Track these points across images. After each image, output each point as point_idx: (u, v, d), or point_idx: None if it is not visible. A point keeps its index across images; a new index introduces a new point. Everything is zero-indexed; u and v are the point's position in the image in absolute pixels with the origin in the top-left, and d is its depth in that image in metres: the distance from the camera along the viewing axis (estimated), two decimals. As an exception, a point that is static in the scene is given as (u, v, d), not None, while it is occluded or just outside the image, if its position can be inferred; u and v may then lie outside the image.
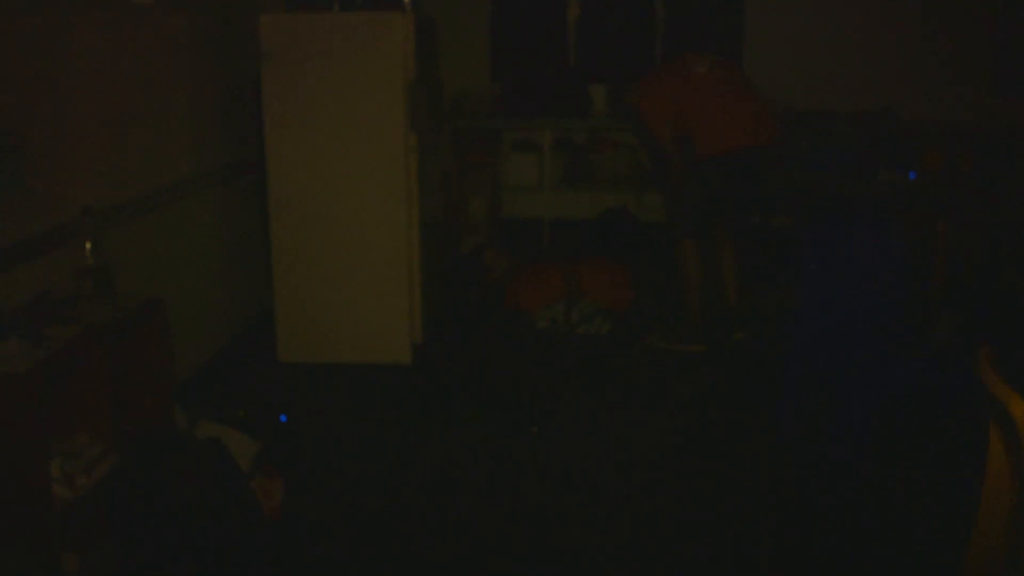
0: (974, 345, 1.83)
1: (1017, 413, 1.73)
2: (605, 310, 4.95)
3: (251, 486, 2.95)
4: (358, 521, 3.05)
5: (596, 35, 6.95)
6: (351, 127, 4.05)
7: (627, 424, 3.77)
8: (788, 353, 3.59)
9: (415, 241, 4.22)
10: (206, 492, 2.63)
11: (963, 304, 4.21)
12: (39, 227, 2.88)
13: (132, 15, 3.50)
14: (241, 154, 4.51)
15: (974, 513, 1.99)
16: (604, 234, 6.66)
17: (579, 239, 6.67)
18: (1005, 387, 1.76)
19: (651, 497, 3.20)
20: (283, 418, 3.43)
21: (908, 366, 3.27)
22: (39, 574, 2.44)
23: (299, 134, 4.07)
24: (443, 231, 5.21)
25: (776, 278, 5.34)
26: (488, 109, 6.63)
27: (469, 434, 3.65)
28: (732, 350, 4.59)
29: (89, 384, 2.71)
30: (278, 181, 4.14)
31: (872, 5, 6.64)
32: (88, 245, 2.95)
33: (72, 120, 3.09)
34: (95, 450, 2.72)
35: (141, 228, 3.54)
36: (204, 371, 4.10)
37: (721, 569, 2.81)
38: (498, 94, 6.73)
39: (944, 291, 4.43)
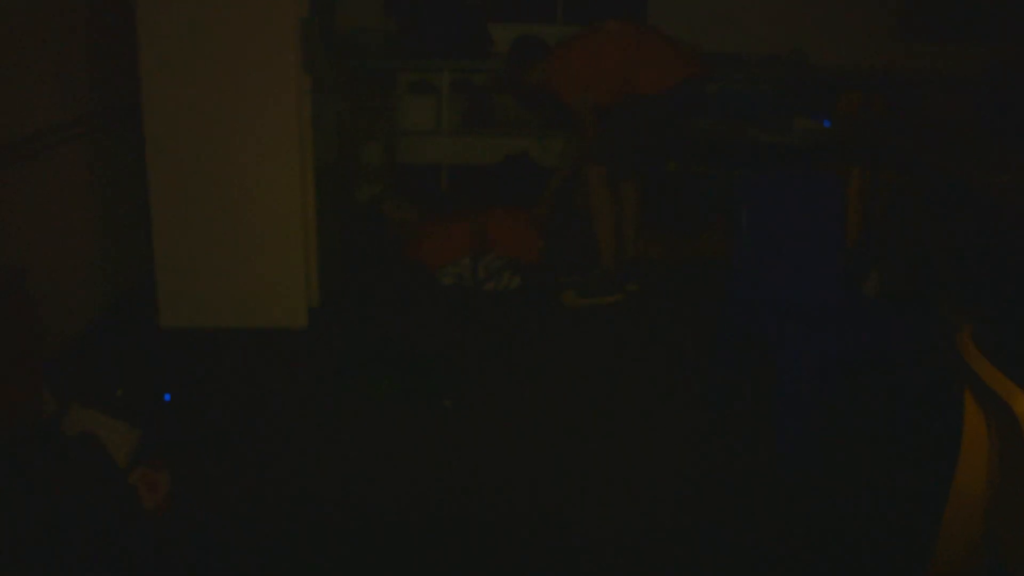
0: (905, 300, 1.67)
1: (1020, 410, 1.54)
2: (513, 262, 4.68)
3: (131, 480, 2.59)
4: (254, 511, 2.72)
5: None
6: (237, 68, 3.63)
7: (546, 393, 3.53)
8: (727, 311, 3.39)
9: (310, 194, 3.85)
10: (74, 497, 2.27)
11: (889, 256, 4.09)
12: None
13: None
14: (116, 99, 4.02)
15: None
16: (506, 181, 6.38)
17: (480, 186, 6.37)
18: (1007, 382, 1.56)
19: (575, 475, 2.97)
20: (167, 397, 3.07)
21: (847, 323, 3.10)
22: None
23: (179, 75, 3.63)
24: (338, 179, 4.84)
25: (675, 228, 5.16)
26: (381, 48, 6.21)
27: (374, 410, 3.34)
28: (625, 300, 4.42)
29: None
30: (155, 128, 3.70)
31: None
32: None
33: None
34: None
35: (-7, 184, 3.09)
36: (77, 346, 3.67)
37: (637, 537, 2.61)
38: (392, 32, 6.31)
39: (864, 242, 4.32)
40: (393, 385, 3.42)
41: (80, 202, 3.82)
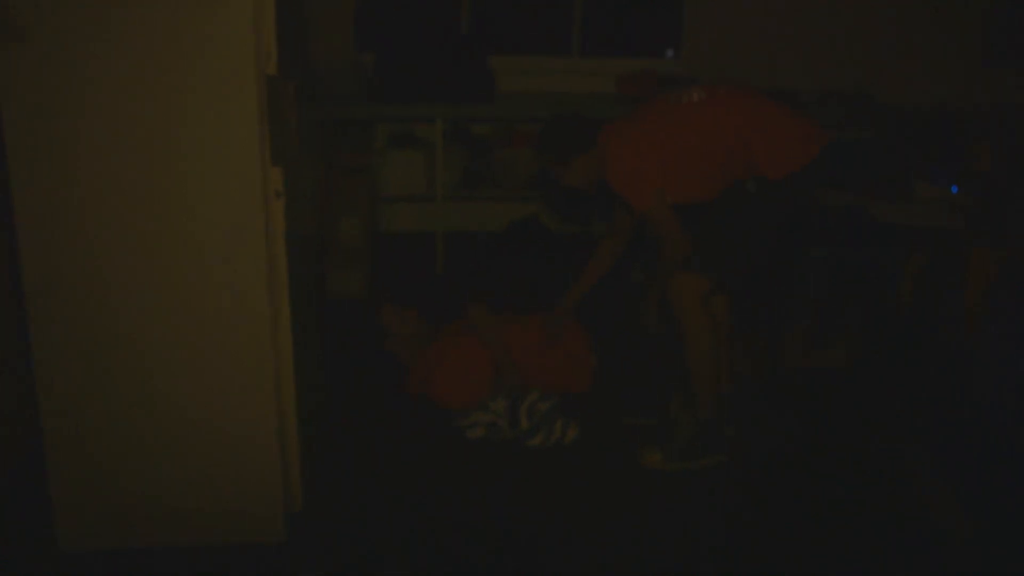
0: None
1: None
2: (559, 398, 3.35)
3: None
4: None
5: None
6: (165, 159, 2.26)
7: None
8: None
9: (285, 344, 2.49)
10: None
11: None
12: None
13: None
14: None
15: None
16: (514, 250, 5.07)
17: (484, 258, 5.05)
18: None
19: None
20: None
21: None
22: None
23: (71, 170, 2.25)
24: (316, 288, 3.48)
25: (769, 331, 3.88)
26: (353, 92, 4.86)
27: None
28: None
29: None
30: (36, 250, 2.31)
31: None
32: None
33: None
34: None
35: None
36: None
37: None
38: (366, 71, 4.97)
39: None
40: None
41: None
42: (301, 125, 2.58)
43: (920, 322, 4.01)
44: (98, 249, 2.29)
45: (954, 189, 3.95)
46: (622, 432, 3.34)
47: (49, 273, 2.30)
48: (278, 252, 2.38)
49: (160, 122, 2.20)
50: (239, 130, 2.23)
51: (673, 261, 2.97)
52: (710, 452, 3.11)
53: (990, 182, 4.04)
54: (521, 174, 5.09)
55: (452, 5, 5.31)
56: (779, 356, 3.65)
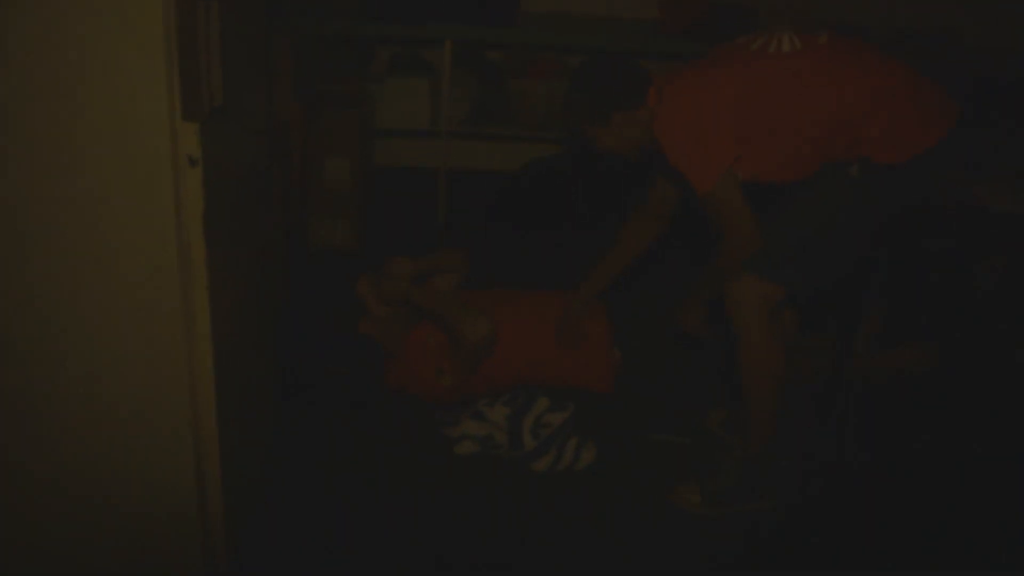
0: None
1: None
2: (573, 407, 2.70)
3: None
4: None
5: None
6: (51, 114, 1.57)
7: None
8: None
9: (206, 374, 1.82)
10: None
11: None
12: None
13: None
14: None
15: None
16: (534, 201, 4.37)
17: (495, 204, 4.36)
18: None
19: None
20: None
21: None
22: None
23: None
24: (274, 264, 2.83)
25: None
26: (349, 6, 4.10)
27: None
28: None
29: None
30: None
31: None
32: None
33: None
34: None
35: None
36: None
37: None
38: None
39: None
40: None
41: None
42: (246, 55, 1.88)
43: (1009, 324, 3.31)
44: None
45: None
46: (648, 451, 2.71)
47: None
48: (193, 243, 1.70)
49: (53, 60, 1.50)
50: (127, 72, 1.54)
51: (737, 259, 2.28)
52: (759, 498, 2.46)
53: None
54: (540, 109, 4.35)
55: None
56: (845, 361, 2.97)
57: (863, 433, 2.79)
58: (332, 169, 3.84)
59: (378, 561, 2.20)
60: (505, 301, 2.94)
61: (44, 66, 1.51)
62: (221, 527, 1.93)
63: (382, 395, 2.83)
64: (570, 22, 4.33)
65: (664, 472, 2.59)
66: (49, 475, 1.81)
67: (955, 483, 2.64)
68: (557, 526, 2.38)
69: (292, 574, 2.15)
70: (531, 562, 2.25)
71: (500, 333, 2.75)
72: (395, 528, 2.32)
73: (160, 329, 1.72)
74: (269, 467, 2.41)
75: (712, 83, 2.24)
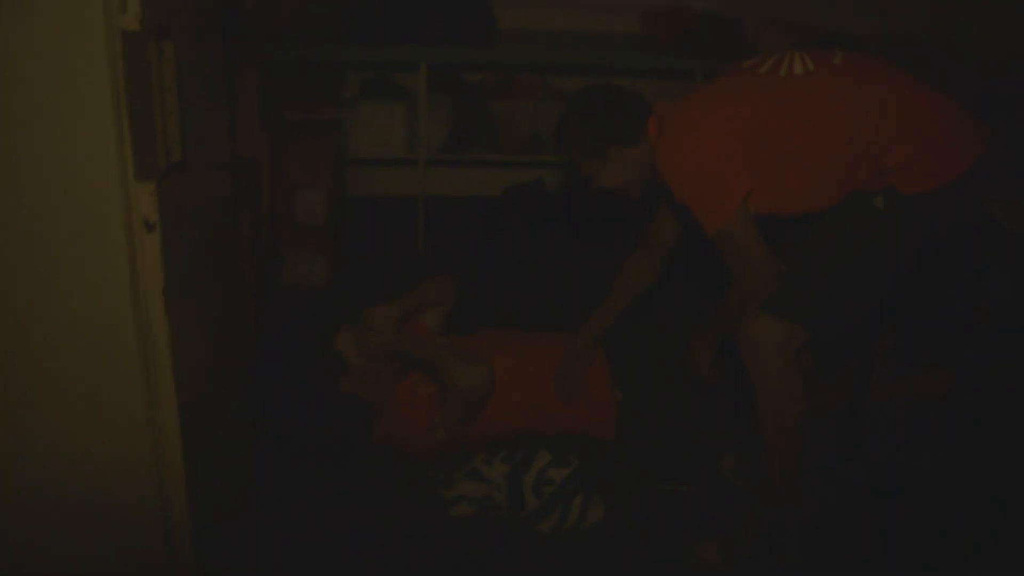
0: None
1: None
2: (578, 461, 2.50)
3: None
4: None
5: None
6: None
7: None
8: None
9: (175, 467, 1.60)
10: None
11: None
12: None
13: None
14: None
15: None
16: (510, 230, 4.17)
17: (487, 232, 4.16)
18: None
19: None
20: None
21: None
22: None
23: None
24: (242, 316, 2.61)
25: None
26: (319, 28, 3.89)
27: None
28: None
29: None
30: None
31: None
32: None
33: None
34: None
35: None
36: None
37: None
38: (336, 2, 3.99)
39: None
40: None
41: None
42: (207, 92, 1.66)
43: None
44: None
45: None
46: (659, 502, 2.51)
47: None
48: (153, 320, 1.48)
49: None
50: (67, 131, 1.32)
51: (752, 301, 2.09)
52: (781, 549, 2.27)
53: None
54: (522, 131, 4.16)
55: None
56: (864, 385, 2.79)
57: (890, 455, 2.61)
58: (304, 202, 3.62)
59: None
60: (498, 345, 2.73)
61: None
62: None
63: (367, 454, 2.60)
64: (550, 39, 4.14)
65: (678, 526, 2.40)
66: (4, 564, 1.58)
67: (973, 499, 2.46)
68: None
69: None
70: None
71: (496, 381, 2.54)
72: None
73: (119, 418, 1.51)
74: (246, 536, 2.19)
75: (719, 112, 2.05)
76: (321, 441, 2.52)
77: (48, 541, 1.58)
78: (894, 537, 2.40)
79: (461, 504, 2.42)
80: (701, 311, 2.38)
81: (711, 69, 3.84)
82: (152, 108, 1.35)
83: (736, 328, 2.13)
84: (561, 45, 4.06)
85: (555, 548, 2.34)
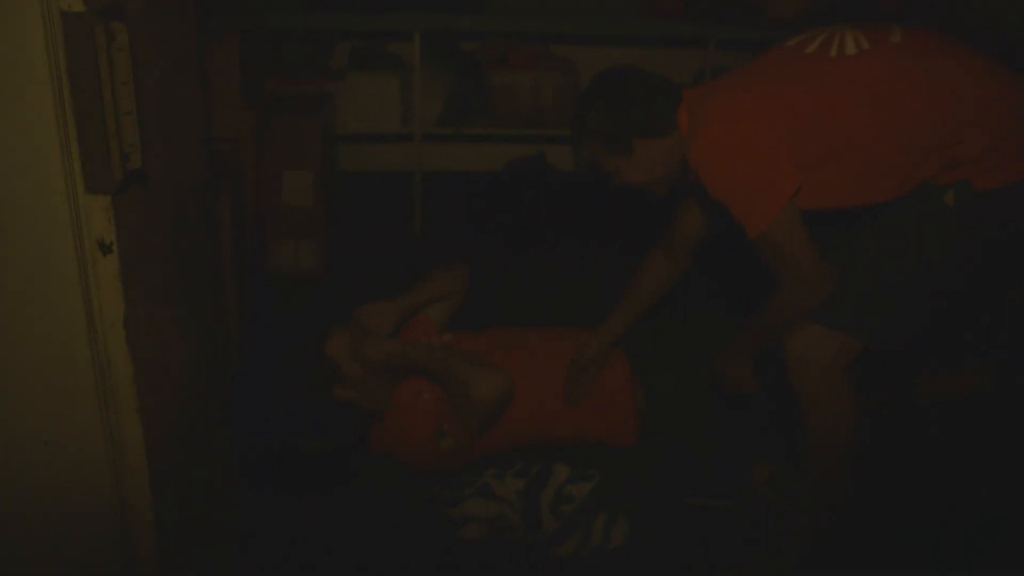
0: None
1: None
2: (598, 476, 2.28)
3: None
4: None
5: None
6: None
7: None
8: None
9: (142, 505, 1.36)
10: None
11: None
12: None
13: None
14: None
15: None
16: (518, 204, 3.91)
17: (479, 208, 3.90)
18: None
19: None
20: None
21: None
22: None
23: None
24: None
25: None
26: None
27: None
28: None
29: None
30: None
31: None
32: None
33: None
34: None
35: None
36: None
37: None
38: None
39: None
40: None
41: None
42: (176, 75, 1.40)
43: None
44: None
45: None
46: (686, 519, 2.29)
47: None
48: (113, 358, 1.23)
49: None
50: (6, 132, 1.07)
51: (800, 309, 1.85)
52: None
53: None
54: (523, 104, 3.89)
55: None
56: (913, 385, 2.57)
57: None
58: (291, 184, 3.36)
59: None
60: (511, 345, 2.50)
61: None
62: None
63: (364, 469, 2.37)
64: (552, 3, 3.86)
65: (707, 545, 2.18)
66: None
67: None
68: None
69: None
70: None
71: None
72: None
73: (81, 473, 1.26)
74: (228, 569, 1.96)
75: (762, 97, 1.80)
76: (312, 461, 2.28)
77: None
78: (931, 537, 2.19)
79: (471, 525, 2.20)
80: (726, 300, 2.14)
81: (725, 37, 3.59)
82: (102, 106, 1.09)
83: (780, 340, 1.89)
84: (563, 12, 3.79)
85: (576, 574, 2.12)
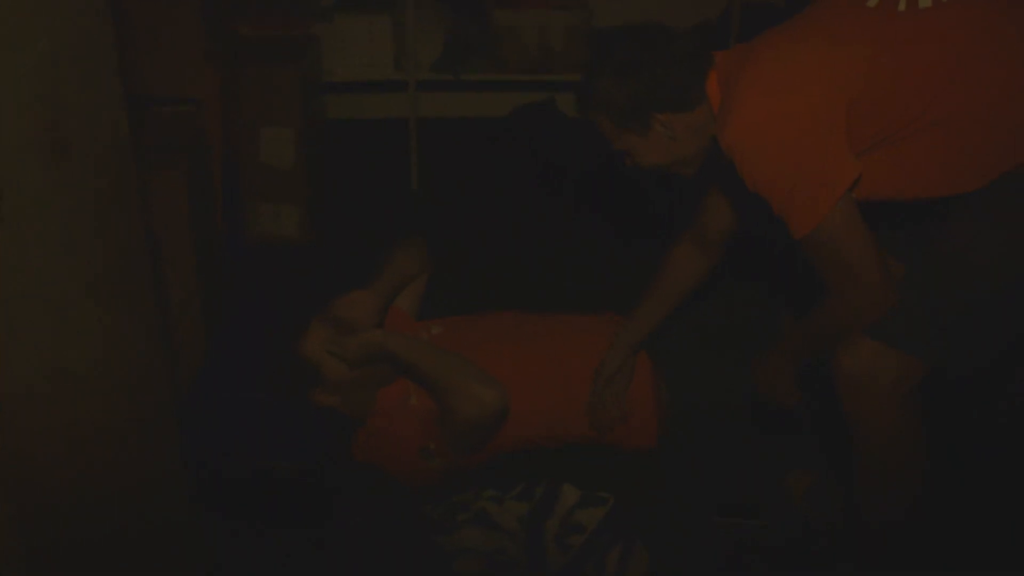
0: None
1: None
2: (611, 501, 1.97)
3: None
4: None
5: None
6: None
7: None
8: None
9: None
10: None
11: None
12: None
13: None
14: None
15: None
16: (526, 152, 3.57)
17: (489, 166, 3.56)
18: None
19: None
20: None
21: None
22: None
23: None
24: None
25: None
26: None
27: None
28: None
29: None
30: None
31: None
32: None
33: None
34: None
35: None
36: None
37: None
38: None
39: None
40: None
41: None
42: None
43: None
44: None
45: None
46: (714, 544, 1.99)
47: None
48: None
49: None
50: None
51: (857, 322, 1.51)
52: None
53: None
54: (529, 46, 3.51)
55: None
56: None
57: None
58: (270, 141, 3.02)
59: None
60: (507, 337, 2.18)
61: None
62: None
63: (344, 486, 2.07)
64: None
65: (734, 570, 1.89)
66: None
67: None
68: None
69: None
70: None
71: (508, 387, 1.99)
72: None
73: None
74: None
75: (815, 65, 1.45)
76: (283, 488, 1.97)
77: None
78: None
79: (465, 559, 1.90)
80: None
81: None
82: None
83: (829, 356, 1.56)
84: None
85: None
